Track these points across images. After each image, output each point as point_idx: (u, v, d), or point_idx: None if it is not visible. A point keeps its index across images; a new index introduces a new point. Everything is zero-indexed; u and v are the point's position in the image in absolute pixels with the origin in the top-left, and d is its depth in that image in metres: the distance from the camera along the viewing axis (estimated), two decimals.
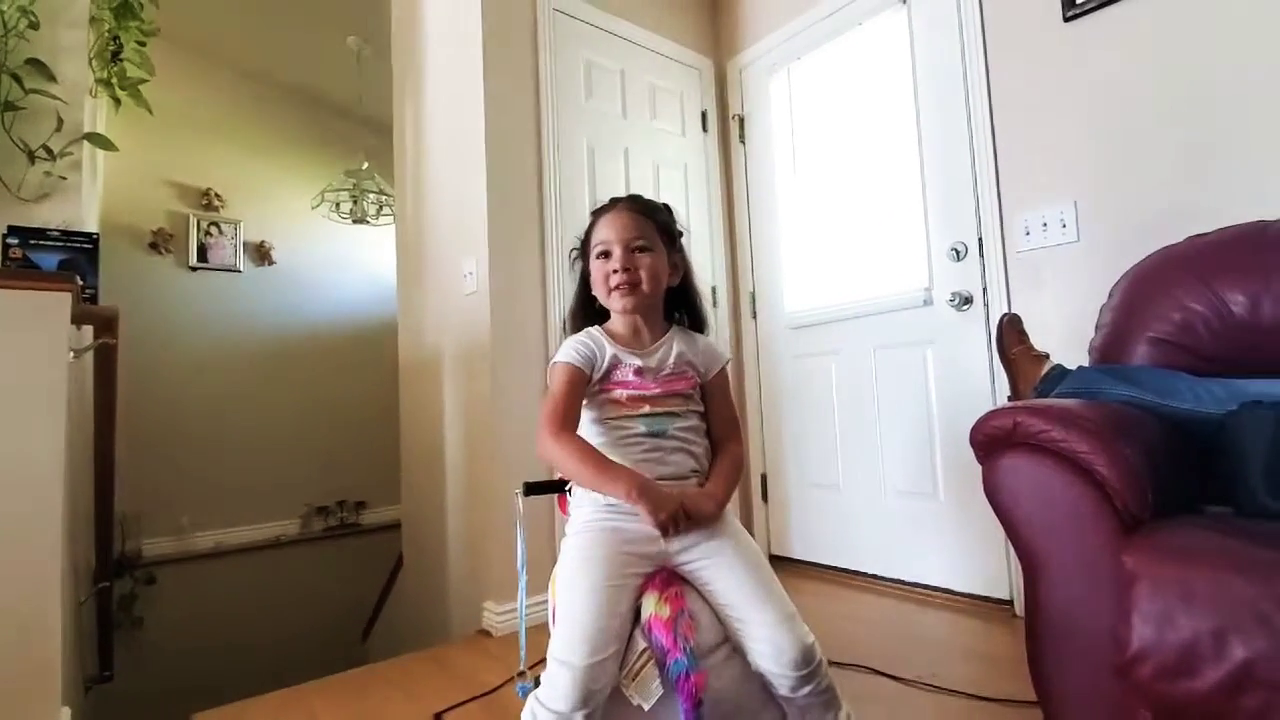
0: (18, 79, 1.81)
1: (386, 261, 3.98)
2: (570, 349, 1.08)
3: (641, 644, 0.86)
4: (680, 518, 0.91)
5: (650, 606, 0.88)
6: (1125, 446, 0.98)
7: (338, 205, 3.62)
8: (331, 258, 4.04)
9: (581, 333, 1.12)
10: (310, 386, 3.87)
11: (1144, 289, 1.42)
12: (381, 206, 3.66)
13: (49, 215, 1.86)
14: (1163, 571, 0.87)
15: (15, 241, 1.75)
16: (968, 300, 2.00)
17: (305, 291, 3.92)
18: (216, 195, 3.61)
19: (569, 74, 2.34)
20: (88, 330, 1.77)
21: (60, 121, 1.88)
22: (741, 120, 2.77)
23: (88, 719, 2.06)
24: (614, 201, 1.15)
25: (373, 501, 3.99)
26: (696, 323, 1.20)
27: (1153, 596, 0.86)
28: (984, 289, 1.96)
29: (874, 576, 2.23)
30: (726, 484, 1.04)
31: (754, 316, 2.69)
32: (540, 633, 1.10)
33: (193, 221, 3.53)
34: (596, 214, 1.15)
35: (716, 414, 1.12)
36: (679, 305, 1.19)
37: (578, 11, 2.38)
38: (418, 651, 1.96)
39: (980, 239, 1.97)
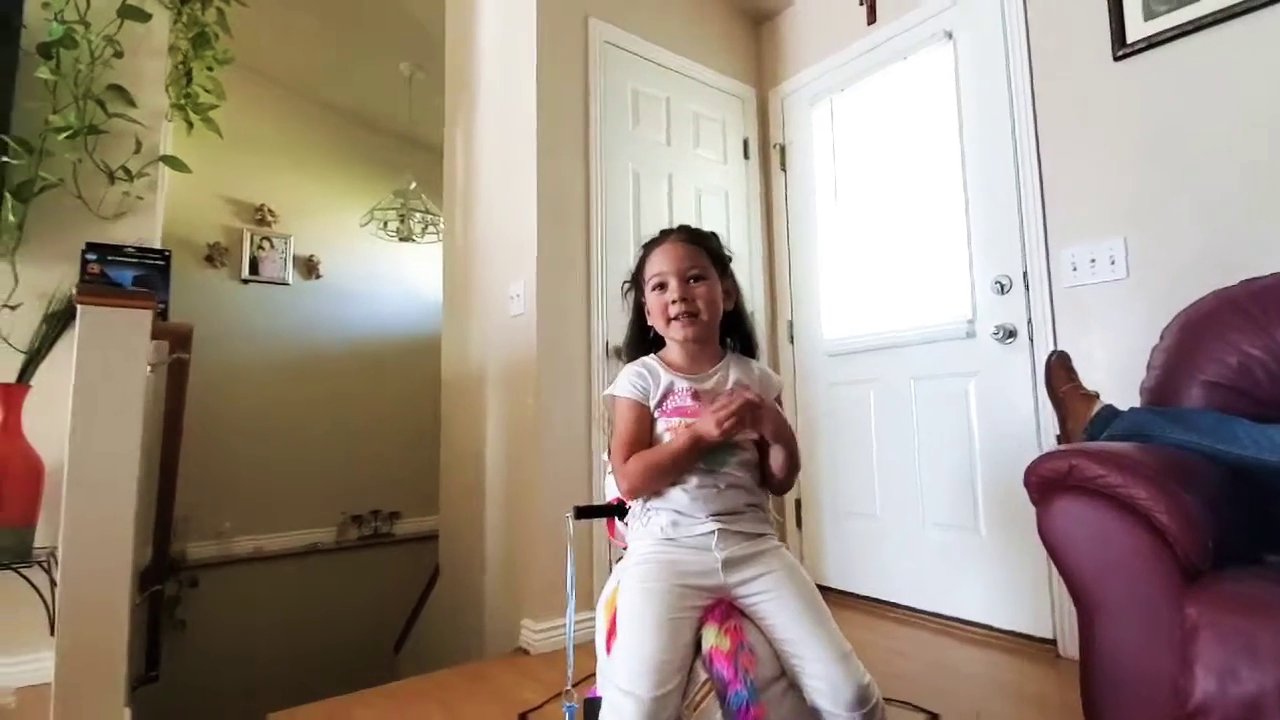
0: (102, 104, 1.92)
1: (427, 278, 4.08)
2: (626, 382, 1.10)
3: (703, 675, 0.88)
4: (741, 412, 0.96)
5: (711, 639, 0.90)
6: (1185, 493, 0.98)
7: (385, 223, 3.74)
8: (375, 273, 4.15)
9: (637, 362, 1.13)
10: (350, 397, 3.96)
11: (1198, 331, 1.41)
12: (426, 225, 3.77)
13: (125, 233, 1.96)
14: (1227, 622, 0.86)
15: (94, 257, 1.85)
16: (1012, 334, 2.00)
17: (348, 304, 4.03)
18: (270, 211, 3.75)
19: (617, 102, 2.40)
20: (160, 343, 1.85)
21: (139, 144, 1.99)
22: (783, 148, 2.81)
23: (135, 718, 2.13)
24: (665, 233, 1.17)
25: (406, 512, 4.06)
26: (748, 348, 1.21)
27: (1216, 648, 0.86)
28: (1029, 323, 1.96)
29: (911, 609, 2.21)
30: (786, 425, 1.06)
31: (791, 342, 2.71)
32: (582, 651, 1.12)
33: (247, 236, 3.66)
34: (648, 247, 1.17)
35: None
36: (730, 331, 1.20)
37: (627, 44, 2.44)
38: (455, 667, 1.99)
39: (1025, 273, 1.97)
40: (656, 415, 1.08)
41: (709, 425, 0.98)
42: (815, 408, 2.60)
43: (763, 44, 2.95)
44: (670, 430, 1.06)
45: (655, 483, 1.04)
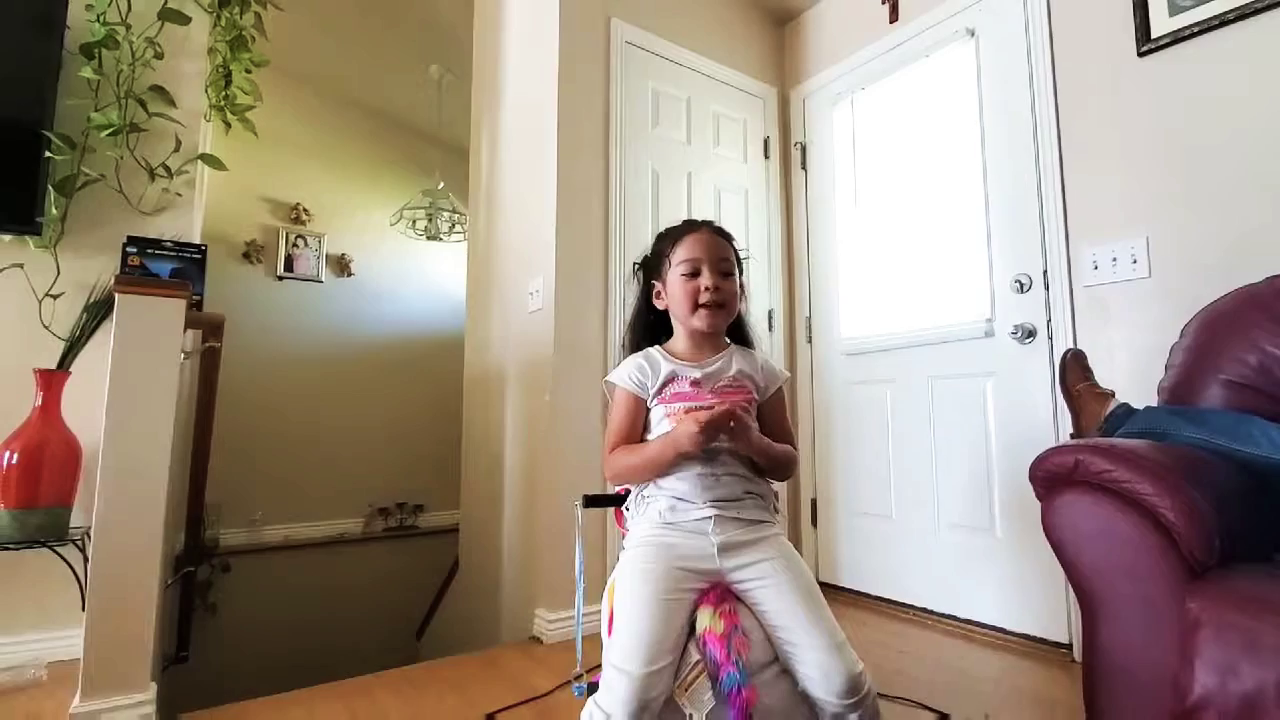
0: (143, 103, 2.01)
1: (454, 277, 4.16)
2: (625, 374, 1.11)
3: (695, 656, 0.90)
4: (721, 425, 0.96)
5: (705, 621, 0.92)
6: (1192, 490, 0.97)
7: (414, 222, 3.83)
8: (404, 271, 4.25)
9: (640, 353, 1.15)
10: (378, 392, 4.06)
11: (1219, 329, 1.38)
12: (454, 224, 3.84)
13: (164, 227, 2.05)
14: (1228, 618, 0.85)
15: (134, 250, 1.94)
16: (1031, 333, 1.97)
17: (379, 302, 4.14)
18: (304, 210, 3.87)
19: (637, 102, 2.43)
20: (193, 332, 1.93)
21: (178, 143, 2.08)
22: (804, 147, 2.81)
23: (165, 696, 2.21)
24: (696, 223, 1.17)
25: (431, 505, 4.14)
26: (745, 343, 1.22)
27: (1216, 644, 0.85)
28: (1048, 322, 1.93)
29: (924, 610, 2.19)
30: (770, 445, 1.06)
31: (809, 341, 2.70)
32: (592, 641, 1.15)
33: (282, 234, 3.79)
34: (679, 232, 1.15)
35: (772, 428, 1.12)
36: (730, 330, 1.21)
37: (648, 44, 2.47)
38: (471, 653, 2.04)
39: (1045, 271, 1.94)
40: (656, 403, 1.10)
41: (686, 437, 0.98)
42: (832, 407, 2.59)
43: (785, 43, 2.95)
44: (670, 416, 1.07)
45: (632, 480, 1.08)
